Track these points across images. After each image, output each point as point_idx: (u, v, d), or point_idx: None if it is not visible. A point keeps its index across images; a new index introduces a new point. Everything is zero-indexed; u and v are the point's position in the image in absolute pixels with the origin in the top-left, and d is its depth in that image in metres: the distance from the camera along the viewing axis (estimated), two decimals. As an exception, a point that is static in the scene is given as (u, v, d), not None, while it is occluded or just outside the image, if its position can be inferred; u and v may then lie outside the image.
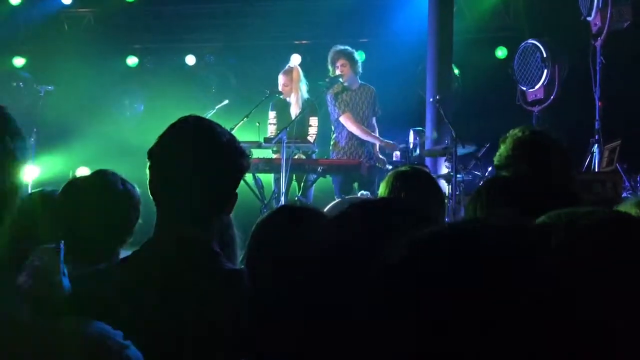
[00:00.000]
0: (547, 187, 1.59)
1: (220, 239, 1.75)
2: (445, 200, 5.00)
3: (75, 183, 2.07)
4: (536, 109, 6.70)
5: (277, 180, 5.77)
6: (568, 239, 0.66)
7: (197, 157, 1.61)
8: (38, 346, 1.04)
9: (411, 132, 6.04)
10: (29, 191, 2.32)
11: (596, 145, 5.55)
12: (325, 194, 6.28)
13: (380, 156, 6.16)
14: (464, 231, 0.67)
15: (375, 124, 6.29)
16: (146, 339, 1.18)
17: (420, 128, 6.25)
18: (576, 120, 6.08)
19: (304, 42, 8.14)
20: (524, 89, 6.84)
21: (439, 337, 0.61)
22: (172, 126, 1.65)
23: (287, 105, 6.22)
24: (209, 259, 1.58)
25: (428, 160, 6.13)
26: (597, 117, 5.66)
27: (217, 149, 1.63)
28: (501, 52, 7.81)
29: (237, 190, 1.69)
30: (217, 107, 6.22)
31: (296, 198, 5.84)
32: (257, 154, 5.89)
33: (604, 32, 5.65)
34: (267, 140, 5.84)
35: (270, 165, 5.80)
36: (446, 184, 5.56)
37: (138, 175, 1.81)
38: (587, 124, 5.77)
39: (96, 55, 8.29)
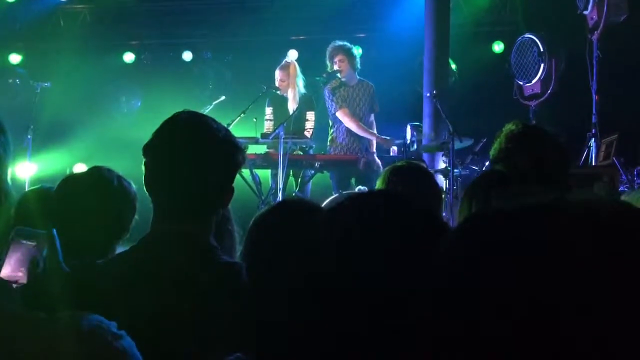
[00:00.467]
0: (543, 181, 1.60)
1: (218, 232, 1.75)
2: (443, 195, 5.01)
3: (71, 180, 2.07)
4: (533, 103, 6.70)
5: (274, 176, 5.77)
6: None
7: (192, 152, 1.61)
8: (32, 341, 1.04)
9: (408, 128, 6.04)
10: (27, 188, 2.32)
11: (593, 139, 5.55)
12: (323, 189, 6.29)
13: (377, 159, 6.14)
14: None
15: (374, 121, 6.29)
16: (143, 333, 1.18)
17: (418, 123, 6.25)
18: (573, 115, 6.08)
19: (300, 37, 8.13)
20: (521, 83, 6.84)
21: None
22: (166, 122, 1.65)
23: (284, 100, 6.22)
24: (205, 254, 1.58)
25: (425, 155, 6.13)
26: (594, 111, 5.66)
27: (212, 143, 1.63)
28: (498, 47, 7.81)
29: (233, 185, 1.69)
30: (214, 103, 6.22)
31: (293, 194, 5.84)
32: (253, 149, 5.89)
33: (601, 25, 5.65)
34: (265, 135, 5.84)
35: (267, 161, 5.80)
36: (443, 178, 5.56)
37: (136, 171, 1.81)
38: (584, 118, 5.77)
39: (93, 51, 8.28)
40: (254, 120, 6.19)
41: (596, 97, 5.67)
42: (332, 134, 6.21)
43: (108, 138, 7.64)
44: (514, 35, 7.06)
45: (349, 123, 6.04)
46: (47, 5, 8.42)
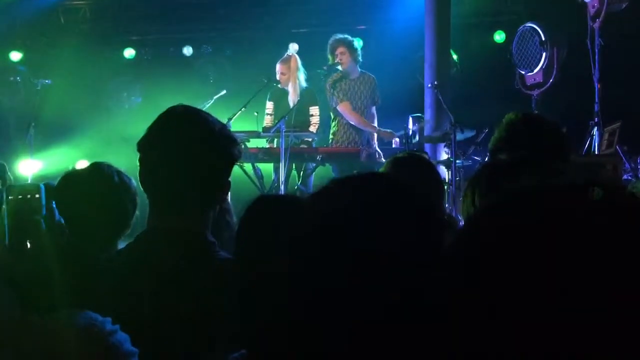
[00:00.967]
0: (543, 169, 1.58)
1: (216, 224, 1.74)
2: (445, 186, 5.00)
3: (71, 176, 2.06)
4: (535, 92, 6.68)
5: (277, 170, 5.77)
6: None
7: (186, 147, 1.59)
8: (29, 339, 1.04)
9: (410, 119, 6.03)
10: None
11: (596, 127, 5.53)
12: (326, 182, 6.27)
13: (378, 149, 6.14)
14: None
15: (375, 113, 6.28)
16: (141, 331, 1.18)
17: (419, 114, 6.23)
18: (575, 103, 6.06)
19: (301, 30, 8.11)
20: (523, 72, 6.82)
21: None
22: (160, 117, 1.64)
23: (285, 94, 6.21)
24: (201, 249, 1.57)
25: (427, 147, 6.12)
26: (596, 100, 5.64)
27: (207, 137, 1.61)
28: (499, 37, 7.77)
29: (230, 179, 1.68)
30: (215, 98, 6.20)
31: (296, 187, 5.84)
32: (255, 143, 5.89)
33: (602, 13, 5.62)
34: (266, 129, 5.83)
35: (269, 155, 5.80)
36: (446, 169, 5.55)
37: (137, 167, 1.80)
38: (586, 107, 5.75)
39: (93, 47, 8.27)
40: (255, 114, 6.18)
41: (598, 85, 5.64)
42: (333, 127, 6.20)
43: (110, 134, 7.64)
44: (515, 24, 7.02)
45: (350, 116, 6.03)
46: (47, 2, 8.41)
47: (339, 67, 6.04)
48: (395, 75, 6.94)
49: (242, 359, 1.11)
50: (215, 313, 1.42)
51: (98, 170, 2.03)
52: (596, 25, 5.68)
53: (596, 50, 5.65)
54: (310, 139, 6.06)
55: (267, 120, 6.17)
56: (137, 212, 2.03)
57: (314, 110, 6.16)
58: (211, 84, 8.06)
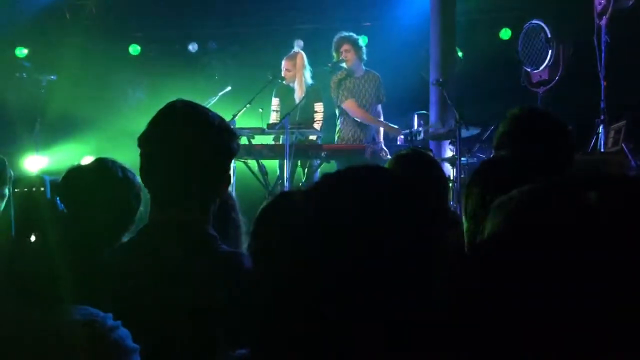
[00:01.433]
0: (548, 165, 1.57)
1: (221, 220, 1.74)
2: (450, 184, 4.99)
3: (75, 172, 2.07)
4: (541, 90, 6.66)
5: (281, 166, 5.77)
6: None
7: (185, 141, 1.61)
8: (30, 336, 1.04)
9: (415, 116, 6.01)
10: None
11: (601, 125, 5.51)
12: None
13: (384, 148, 6.13)
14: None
15: (380, 111, 6.27)
16: (143, 325, 1.18)
17: (424, 112, 6.22)
18: (581, 101, 6.03)
19: (306, 26, 8.10)
20: (529, 70, 6.79)
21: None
22: (160, 111, 1.65)
23: (290, 91, 6.20)
24: (203, 243, 1.58)
25: (432, 144, 6.11)
26: (602, 97, 5.62)
27: (206, 131, 1.62)
28: (505, 34, 7.75)
29: (230, 174, 1.69)
30: (220, 94, 6.20)
31: (300, 184, 5.84)
32: (260, 140, 5.89)
33: (609, 10, 5.60)
34: (271, 126, 5.83)
35: (274, 151, 5.80)
36: (451, 167, 5.54)
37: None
38: (592, 104, 5.73)
39: (98, 44, 8.27)
40: (260, 110, 6.18)
41: (604, 82, 5.62)
42: (338, 124, 6.20)
43: (115, 130, 7.64)
44: (522, 21, 7.00)
45: (356, 114, 6.02)
46: (52, -2, 8.42)
47: (344, 65, 6.03)
48: (400, 72, 6.92)
49: (243, 358, 1.11)
50: (217, 306, 1.43)
51: (102, 165, 2.03)
52: (603, 22, 5.66)
53: (602, 48, 5.63)
54: (315, 137, 6.06)
55: (273, 117, 6.17)
56: (141, 208, 2.03)
57: (319, 107, 6.16)
58: (216, 81, 8.07)
